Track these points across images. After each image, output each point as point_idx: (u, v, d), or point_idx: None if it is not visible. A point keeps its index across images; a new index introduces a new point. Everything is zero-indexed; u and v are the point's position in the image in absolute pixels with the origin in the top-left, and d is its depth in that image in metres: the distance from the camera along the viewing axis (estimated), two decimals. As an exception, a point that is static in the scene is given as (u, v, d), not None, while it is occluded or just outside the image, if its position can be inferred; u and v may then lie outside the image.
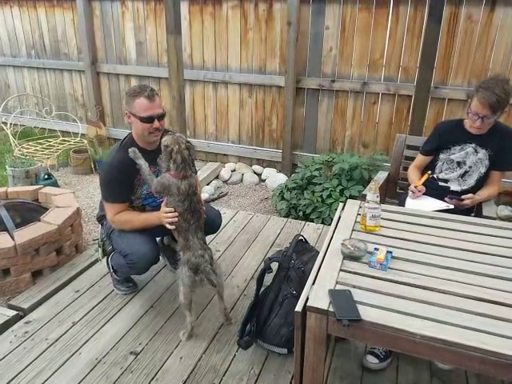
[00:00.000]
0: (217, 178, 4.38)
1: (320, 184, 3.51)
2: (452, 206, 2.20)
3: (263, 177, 4.41)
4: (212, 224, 2.34)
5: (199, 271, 1.94)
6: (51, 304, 2.32)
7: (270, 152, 4.47)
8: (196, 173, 2.11)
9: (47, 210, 2.75)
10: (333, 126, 4.14)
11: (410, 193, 2.32)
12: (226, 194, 4.07)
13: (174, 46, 3.44)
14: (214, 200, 3.92)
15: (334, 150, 4.18)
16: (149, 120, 2.03)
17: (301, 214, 3.47)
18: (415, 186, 2.29)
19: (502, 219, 3.32)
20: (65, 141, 4.66)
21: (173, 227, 2.00)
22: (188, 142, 2.01)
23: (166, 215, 1.99)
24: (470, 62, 3.49)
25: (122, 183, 2.09)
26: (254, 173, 4.49)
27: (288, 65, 3.99)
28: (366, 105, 3.95)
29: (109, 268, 2.43)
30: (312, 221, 3.35)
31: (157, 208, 2.24)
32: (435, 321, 1.25)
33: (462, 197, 2.21)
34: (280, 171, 4.41)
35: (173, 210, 1.99)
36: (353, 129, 4.08)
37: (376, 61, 3.78)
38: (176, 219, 1.98)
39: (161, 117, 2.08)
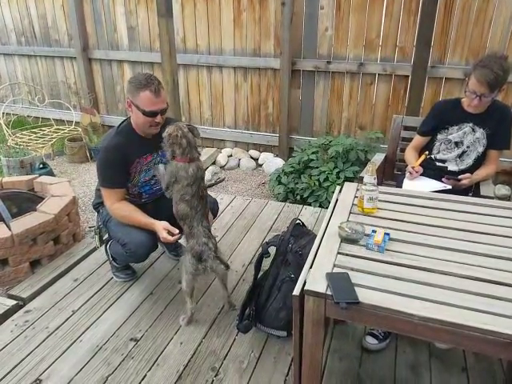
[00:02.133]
0: (213, 163, 4.36)
1: (317, 167, 3.50)
2: (450, 187, 2.19)
3: (260, 161, 4.39)
4: (210, 211, 2.33)
5: (203, 259, 1.92)
6: (50, 293, 2.33)
7: (266, 136, 4.44)
8: (200, 155, 2.08)
9: (43, 199, 2.73)
10: (329, 109, 4.10)
11: (407, 174, 2.31)
12: (223, 180, 4.05)
13: (165, 30, 3.37)
14: (211, 186, 3.90)
15: (330, 132, 4.15)
16: (152, 115, 1.99)
17: (298, 198, 3.46)
18: (412, 167, 2.28)
19: (499, 198, 3.32)
20: (59, 129, 4.61)
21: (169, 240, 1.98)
22: (189, 124, 2.00)
23: (167, 235, 1.95)
24: (467, 39, 3.44)
25: (118, 167, 2.06)
26: (251, 158, 4.46)
27: (283, 46, 3.93)
28: (363, 86, 3.90)
29: (108, 256, 2.42)
30: (309, 204, 3.35)
31: (153, 195, 2.22)
32: (434, 302, 1.25)
33: (460, 177, 2.20)
34: (277, 155, 4.38)
35: (177, 231, 1.98)
36: (349, 111, 4.04)
37: (372, 41, 3.72)
38: (176, 239, 1.99)
39: (164, 111, 2.04)
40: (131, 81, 2.01)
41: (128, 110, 2.06)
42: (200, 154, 2.05)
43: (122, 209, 2.08)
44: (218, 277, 2.12)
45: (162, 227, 1.97)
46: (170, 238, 1.96)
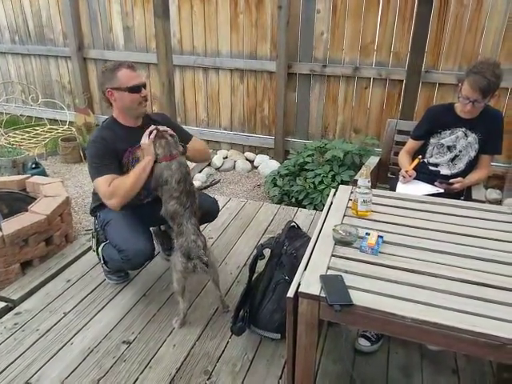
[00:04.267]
0: (209, 165, 4.35)
1: (312, 170, 3.51)
2: (442, 190, 2.22)
3: (256, 163, 4.39)
4: (210, 211, 2.34)
5: (192, 257, 1.92)
6: (42, 295, 2.30)
7: (262, 139, 4.44)
8: (185, 152, 2.09)
9: (35, 199, 2.71)
10: (325, 112, 4.12)
11: (400, 177, 2.33)
12: (218, 182, 4.04)
13: (162, 31, 3.37)
14: (206, 187, 3.89)
15: (325, 135, 4.16)
16: (137, 89, 2.01)
17: (293, 200, 3.47)
18: (406, 171, 2.30)
19: (490, 202, 3.35)
20: (52, 129, 4.58)
21: (151, 137, 1.97)
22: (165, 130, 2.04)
23: (146, 136, 1.97)
24: (460, 46, 3.48)
25: (108, 156, 2.03)
26: (247, 160, 4.46)
27: (279, 49, 3.94)
28: (358, 90, 3.92)
29: (99, 258, 2.40)
30: (304, 207, 3.35)
31: (152, 193, 2.17)
32: (426, 304, 1.26)
33: (451, 181, 2.22)
34: (272, 158, 4.38)
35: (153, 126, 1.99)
36: (344, 114, 4.06)
37: (367, 45, 3.74)
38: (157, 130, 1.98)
39: (144, 86, 2.07)
40: (103, 70, 2.04)
41: (110, 103, 2.06)
42: (184, 147, 2.08)
43: (113, 184, 1.98)
44: (209, 276, 2.11)
45: (142, 143, 1.99)
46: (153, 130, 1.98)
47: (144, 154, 2.01)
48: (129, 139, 2.09)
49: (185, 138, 2.24)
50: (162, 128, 2.03)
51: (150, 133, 1.99)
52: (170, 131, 2.04)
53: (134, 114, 2.09)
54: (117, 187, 1.96)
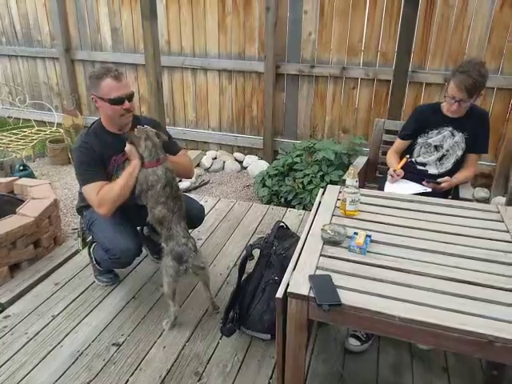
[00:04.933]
0: (198, 166, 4.34)
1: (301, 170, 3.52)
2: (430, 190, 2.24)
3: (245, 164, 4.39)
4: (195, 218, 2.32)
5: (183, 260, 1.92)
6: (30, 297, 2.28)
7: (251, 139, 4.44)
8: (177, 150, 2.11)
9: (23, 202, 2.68)
10: (313, 112, 4.14)
11: (388, 177, 2.35)
12: (207, 182, 4.04)
13: (149, 32, 3.35)
14: (195, 188, 3.88)
15: (314, 135, 4.18)
16: (119, 101, 1.95)
17: (282, 200, 3.48)
18: (394, 170, 2.32)
19: (478, 201, 3.40)
20: (40, 131, 4.53)
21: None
22: (156, 131, 2.02)
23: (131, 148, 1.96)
24: (446, 46, 3.52)
25: (94, 162, 2.01)
26: (236, 160, 4.46)
27: (267, 50, 3.95)
28: (346, 90, 3.95)
29: (91, 259, 2.38)
30: (293, 207, 3.36)
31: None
32: (414, 303, 1.27)
33: (439, 180, 2.24)
34: (261, 158, 4.39)
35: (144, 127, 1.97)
36: (333, 114, 4.08)
37: (355, 45, 3.77)
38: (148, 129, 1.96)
39: (130, 97, 2.00)
40: (90, 75, 2.00)
41: (96, 107, 2.03)
42: (165, 155, 2.04)
43: (103, 190, 1.97)
44: (199, 278, 2.10)
45: (130, 155, 1.98)
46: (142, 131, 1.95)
47: (129, 158, 1.99)
48: (114, 147, 2.06)
49: (172, 149, 2.21)
50: (147, 128, 1.98)
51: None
52: (153, 130, 2.00)
53: (116, 123, 2.06)
54: (105, 195, 1.95)
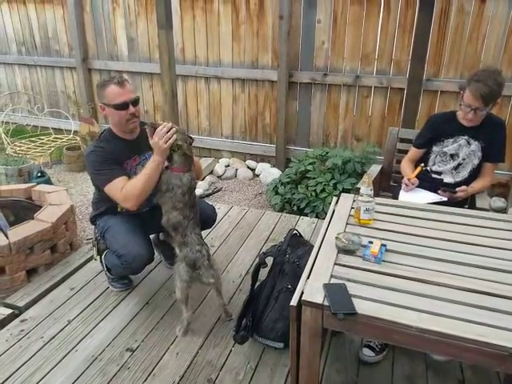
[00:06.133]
0: (211, 173, 4.37)
1: (314, 178, 3.52)
2: (445, 199, 2.21)
3: (257, 172, 4.40)
4: (207, 219, 2.34)
5: (197, 266, 1.94)
6: (46, 302, 2.31)
7: (263, 147, 4.47)
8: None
9: (41, 207, 2.73)
10: (326, 120, 4.14)
11: (403, 186, 2.33)
12: (220, 190, 4.06)
13: (165, 42, 3.41)
14: (208, 195, 3.91)
15: (327, 144, 4.18)
16: (123, 106, 2.00)
17: (295, 208, 3.47)
18: (408, 179, 2.30)
19: (495, 211, 3.34)
20: (57, 138, 4.62)
21: (170, 143, 1.89)
22: (190, 136, 2.03)
23: (161, 138, 1.88)
24: (461, 54, 3.50)
25: (111, 161, 2.03)
26: (248, 168, 4.48)
27: (280, 59, 3.98)
28: (359, 98, 3.95)
29: (103, 266, 2.41)
30: (306, 215, 3.36)
31: (149, 203, 2.15)
32: (430, 313, 1.26)
33: (456, 189, 2.22)
34: (274, 166, 4.40)
35: (165, 123, 1.92)
36: (346, 122, 4.08)
37: (368, 54, 3.78)
38: (174, 131, 1.90)
39: (134, 102, 2.04)
40: (97, 85, 2.07)
41: (105, 116, 2.08)
42: (192, 167, 2.05)
43: (126, 186, 1.98)
44: (212, 285, 2.10)
45: (159, 144, 1.90)
46: (172, 132, 1.91)
47: (154, 152, 1.95)
48: (124, 151, 2.11)
49: None
50: (181, 130, 1.97)
51: (167, 131, 1.91)
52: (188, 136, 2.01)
53: (124, 129, 2.10)
54: (129, 191, 1.97)
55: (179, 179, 1.96)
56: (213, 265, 2.00)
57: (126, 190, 1.98)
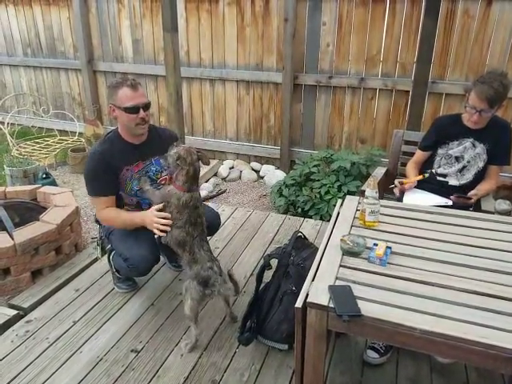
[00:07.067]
0: (215, 175, 4.38)
1: (318, 180, 3.52)
2: (450, 202, 2.21)
3: (261, 174, 4.41)
4: (211, 225, 2.33)
5: (209, 284, 1.89)
6: (51, 303, 2.32)
7: (268, 149, 4.47)
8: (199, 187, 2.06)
9: (46, 209, 2.75)
10: (330, 123, 4.15)
11: (395, 189, 2.33)
12: (224, 191, 4.07)
13: (170, 44, 3.42)
14: (212, 197, 3.92)
15: (331, 146, 4.18)
16: (134, 110, 1.98)
17: (299, 210, 3.47)
18: (400, 183, 2.30)
19: (500, 213, 3.33)
20: (62, 140, 4.65)
21: (163, 234, 1.92)
22: (199, 150, 1.98)
23: (157, 220, 1.91)
24: (467, 56, 3.49)
25: (103, 176, 2.04)
26: (253, 170, 4.49)
27: (285, 61, 3.99)
28: (364, 100, 3.95)
29: (111, 267, 2.42)
30: (310, 217, 3.36)
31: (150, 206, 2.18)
32: (435, 315, 1.26)
33: (469, 194, 2.18)
34: (278, 168, 4.41)
35: (169, 215, 1.91)
36: (350, 125, 4.08)
37: (373, 56, 3.78)
38: (169, 228, 1.91)
39: (146, 106, 2.02)
40: (108, 85, 2.05)
41: (113, 117, 2.05)
42: (199, 186, 2.01)
43: (107, 213, 2.09)
44: (221, 297, 2.07)
45: (151, 221, 1.93)
46: (167, 229, 1.91)
47: (145, 221, 1.98)
48: (127, 155, 2.09)
49: None
50: (194, 153, 1.93)
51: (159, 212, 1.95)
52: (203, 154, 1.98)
53: (132, 132, 2.08)
54: (106, 218, 2.13)
55: (177, 198, 1.91)
56: (225, 280, 1.94)
57: (105, 215, 2.12)
